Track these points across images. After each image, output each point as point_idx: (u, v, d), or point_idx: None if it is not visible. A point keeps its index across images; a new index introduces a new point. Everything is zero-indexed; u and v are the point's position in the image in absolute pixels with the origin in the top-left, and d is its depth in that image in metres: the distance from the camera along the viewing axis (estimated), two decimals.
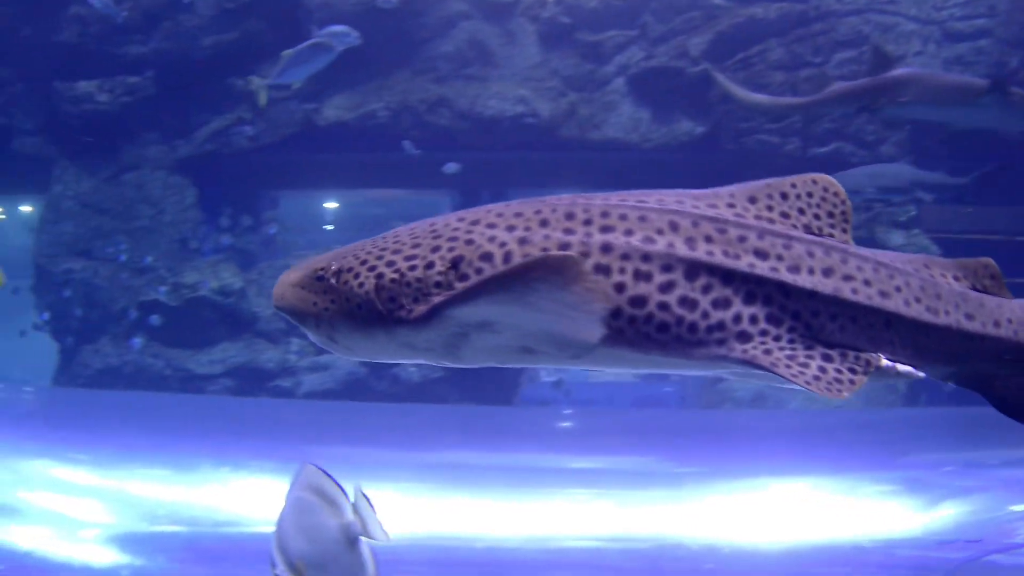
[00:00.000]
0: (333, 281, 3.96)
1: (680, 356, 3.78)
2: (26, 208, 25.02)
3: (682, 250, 3.75)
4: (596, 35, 19.08)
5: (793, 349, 3.77)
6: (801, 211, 4.05)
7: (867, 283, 3.90)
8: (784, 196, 4.06)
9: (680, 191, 4.03)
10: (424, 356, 3.99)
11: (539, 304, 3.57)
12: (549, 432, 15.09)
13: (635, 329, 3.72)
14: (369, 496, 4.66)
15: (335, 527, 4.68)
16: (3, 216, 26.54)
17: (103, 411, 15.70)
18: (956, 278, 4.20)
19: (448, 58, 19.17)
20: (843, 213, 4.12)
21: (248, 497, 11.30)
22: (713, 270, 3.76)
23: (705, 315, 3.73)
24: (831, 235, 4.05)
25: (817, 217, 4.07)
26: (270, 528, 4.88)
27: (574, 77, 19.16)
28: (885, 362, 3.88)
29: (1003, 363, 4.15)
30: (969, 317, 4.06)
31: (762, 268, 3.80)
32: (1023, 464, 12.65)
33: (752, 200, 4.02)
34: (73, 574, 9.88)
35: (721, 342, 3.75)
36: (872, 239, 17.30)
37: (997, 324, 4.11)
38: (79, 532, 10.83)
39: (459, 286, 3.75)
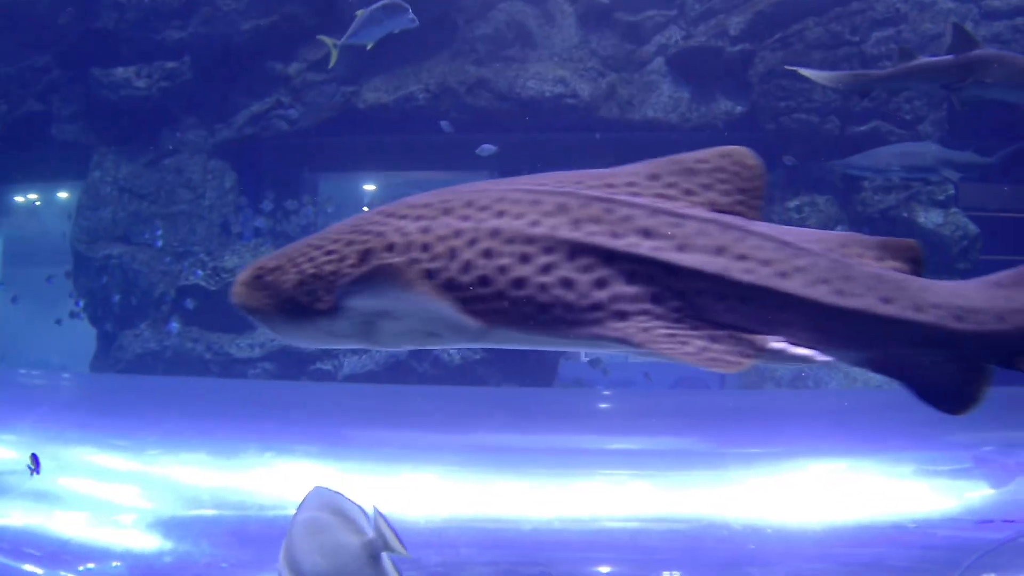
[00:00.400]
0: (269, 279, 4.13)
1: (562, 335, 3.78)
2: (63, 195, 25.21)
3: (564, 232, 3.76)
4: (634, 15, 19.06)
5: (675, 328, 3.68)
6: (707, 187, 3.93)
7: (765, 263, 3.72)
8: (690, 172, 3.95)
9: (583, 172, 4.04)
10: (349, 341, 4.15)
11: (401, 300, 3.73)
12: (589, 413, 15.05)
13: (517, 310, 3.75)
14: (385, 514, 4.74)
15: (356, 544, 4.74)
16: (39, 203, 26.71)
17: (143, 397, 15.74)
18: (879, 259, 3.92)
19: (487, 40, 19.13)
20: (755, 188, 3.96)
21: (292, 481, 11.15)
22: (594, 251, 3.74)
23: (583, 295, 3.71)
24: (739, 212, 3.91)
25: (726, 193, 3.93)
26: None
27: (613, 57, 19.14)
28: (777, 345, 3.70)
29: (926, 351, 3.85)
30: (885, 300, 3.75)
31: (644, 247, 3.73)
32: None
33: (654, 177, 3.95)
34: (115, 559, 9.92)
35: (597, 321, 3.71)
36: (910, 218, 17.29)
37: (919, 309, 3.77)
38: (121, 518, 10.82)
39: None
